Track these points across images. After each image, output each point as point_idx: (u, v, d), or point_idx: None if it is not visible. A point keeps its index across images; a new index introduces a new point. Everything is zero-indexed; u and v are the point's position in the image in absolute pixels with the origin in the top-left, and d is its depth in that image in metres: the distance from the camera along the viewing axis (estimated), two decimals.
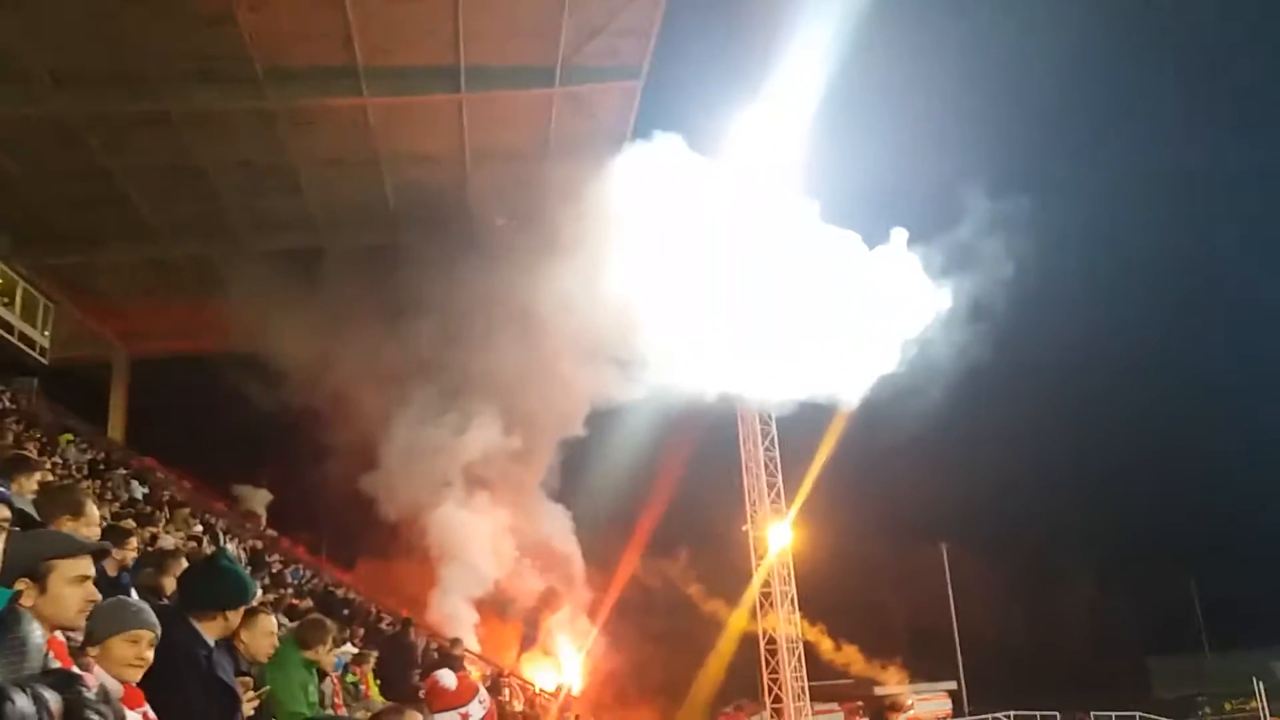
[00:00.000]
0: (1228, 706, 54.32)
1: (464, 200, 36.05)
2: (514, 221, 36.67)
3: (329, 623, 6.55)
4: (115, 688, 3.06)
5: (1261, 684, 41.98)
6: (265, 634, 5.10)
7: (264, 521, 40.08)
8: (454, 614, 36.63)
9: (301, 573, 26.91)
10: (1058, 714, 51.74)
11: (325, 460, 40.36)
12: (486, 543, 38.78)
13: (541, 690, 33.39)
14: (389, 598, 34.79)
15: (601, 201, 36.76)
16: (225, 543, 21.09)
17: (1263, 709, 40.94)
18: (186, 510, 20.31)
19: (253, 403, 38.97)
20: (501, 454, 40.18)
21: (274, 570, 21.22)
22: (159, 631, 3.38)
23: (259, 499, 41.98)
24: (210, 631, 3.94)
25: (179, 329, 42.61)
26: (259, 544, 27.43)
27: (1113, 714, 52.15)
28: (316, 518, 43.42)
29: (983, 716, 51.26)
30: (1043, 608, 64.06)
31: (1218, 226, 59.67)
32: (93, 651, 3.11)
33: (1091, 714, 52.14)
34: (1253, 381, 60.49)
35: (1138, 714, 52.57)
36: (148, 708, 3.09)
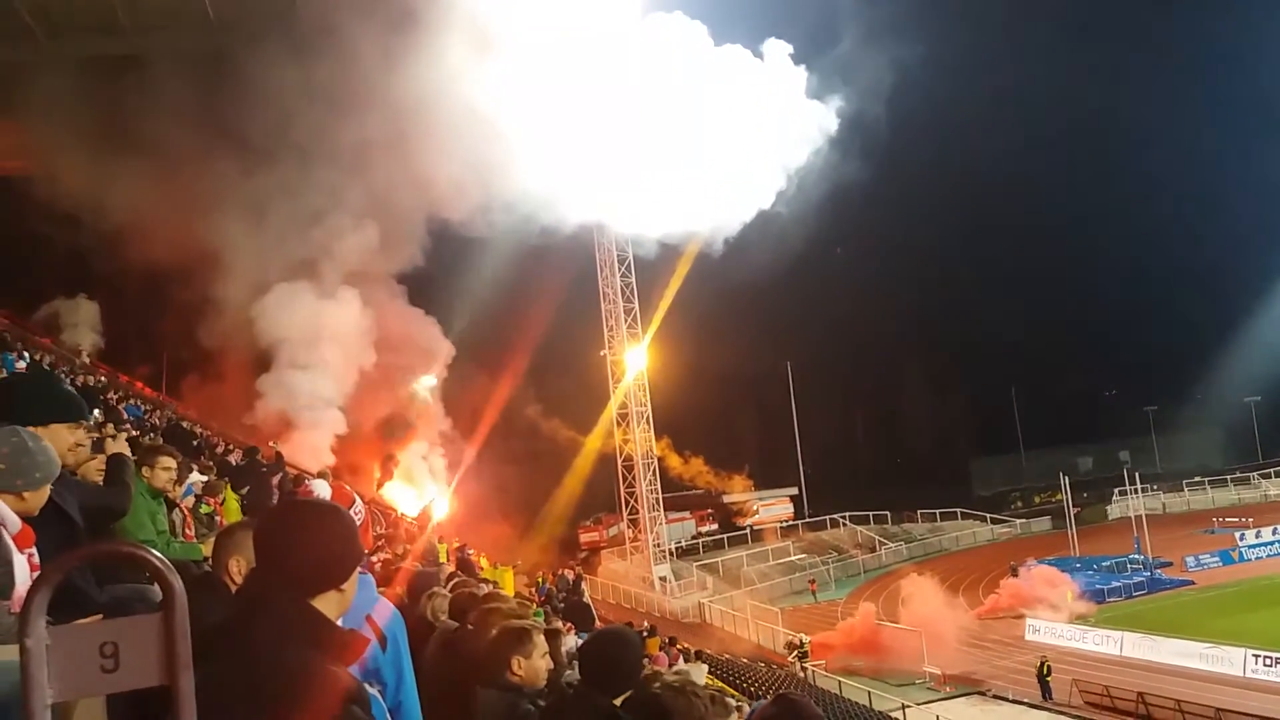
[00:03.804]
0: (1037, 499, 60.82)
1: (294, 6, 33.29)
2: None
3: (164, 446, 6.30)
4: (13, 522, 2.80)
5: (1067, 478, 46.71)
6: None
7: (98, 344, 37.58)
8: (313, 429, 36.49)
9: (140, 408, 25.78)
10: (888, 513, 56.82)
11: (161, 291, 38.23)
12: (341, 338, 38.17)
13: (404, 515, 33.83)
14: (222, 416, 34.20)
15: (468, 14, 35.04)
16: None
17: (1066, 500, 45.84)
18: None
19: (69, 232, 35.91)
20: (360, 268, 39.18)
21: (109, 406, 20.18)
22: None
23: (81, 315, 39.08)
24: None
25: None
26: (91, 379, 25.99)
27: (937, 511, 57.74)
28: (156, 351, 41.49)
29: (820, 518, 55.71)
30: (878, 418, 68.89)
31: (1107, 65, 60.88)
32: None
33: (919, 512, 57.58)
34: (1087, 218, 64.29)
35: (959, 510, 58.40)
36: (34, 551, 2.85)
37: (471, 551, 24.97)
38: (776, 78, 42.28)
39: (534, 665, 3.57)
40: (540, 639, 3.67)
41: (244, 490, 10.10)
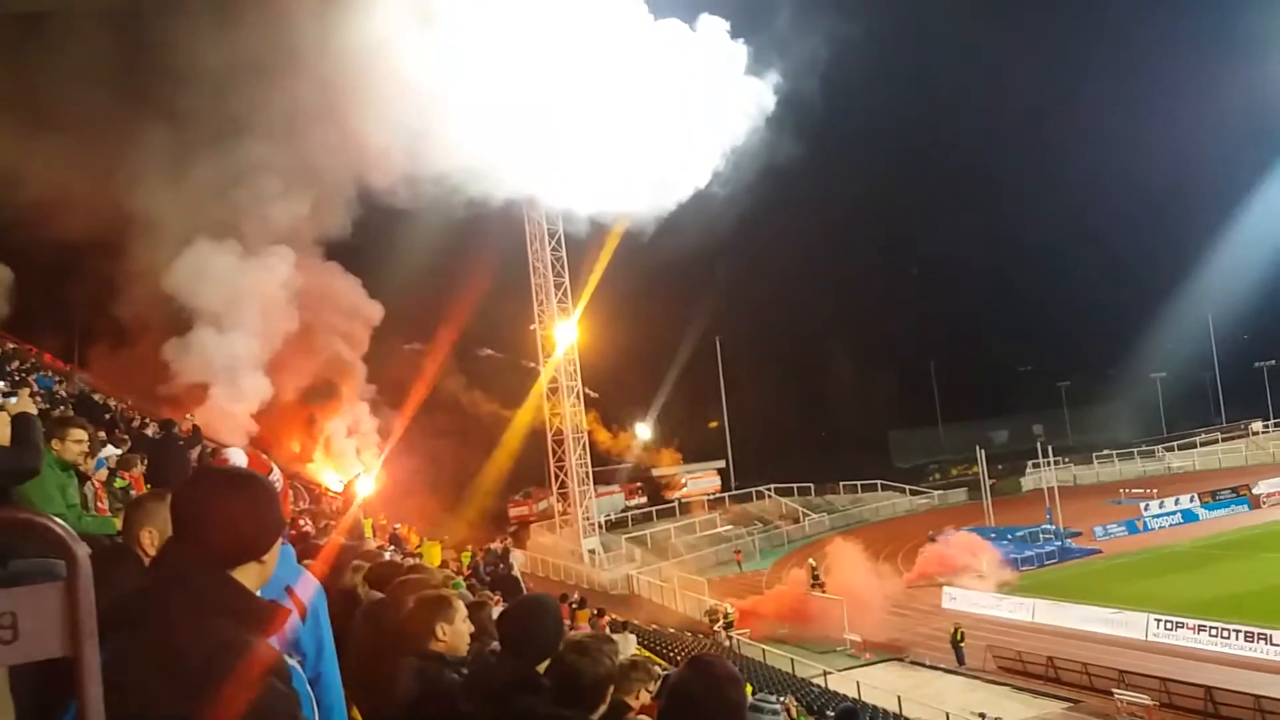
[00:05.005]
0: (954, 471, 62.54)
1: None
2: None
3: (75, 418, 6.07)
4: None
5: (983, 451, 48.09)
6: None
7: (2, 311, 35.83)
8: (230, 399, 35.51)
9: (51, 379, 24.78)
10: (811, 485, 57.83)
11: (73, 258, 36.64)
12: (261, 299, 37.08)
13: (328, 489, 33.29)
14: (138, 387, 33.13)
15: None
16: None
17: (982, 472, 47.31)
18: None
19: None
20: (283, 233, 38.06)
21: (16, 378, 19.37)
22: None
23: None
24: None
25: None
26: None
27: (858, 483, 59.00)
28: (67, 321, 39.79)
29: (746, 490, 56.46)
30: (802, 393, 69.91)
31: (1035, 47, 61.76)
32: None
33: (840, 484, 58.75)
34: (1007, 197, 65.60)
35: (879, 482, 59.76)
36: None
37: (399, 526, 24.76)
38: (715, 53, 42.19)
39: (458, 631, 3.53)
40: (461, 605, 3.64)
41: (144, 461, 9.80)
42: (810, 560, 38.41)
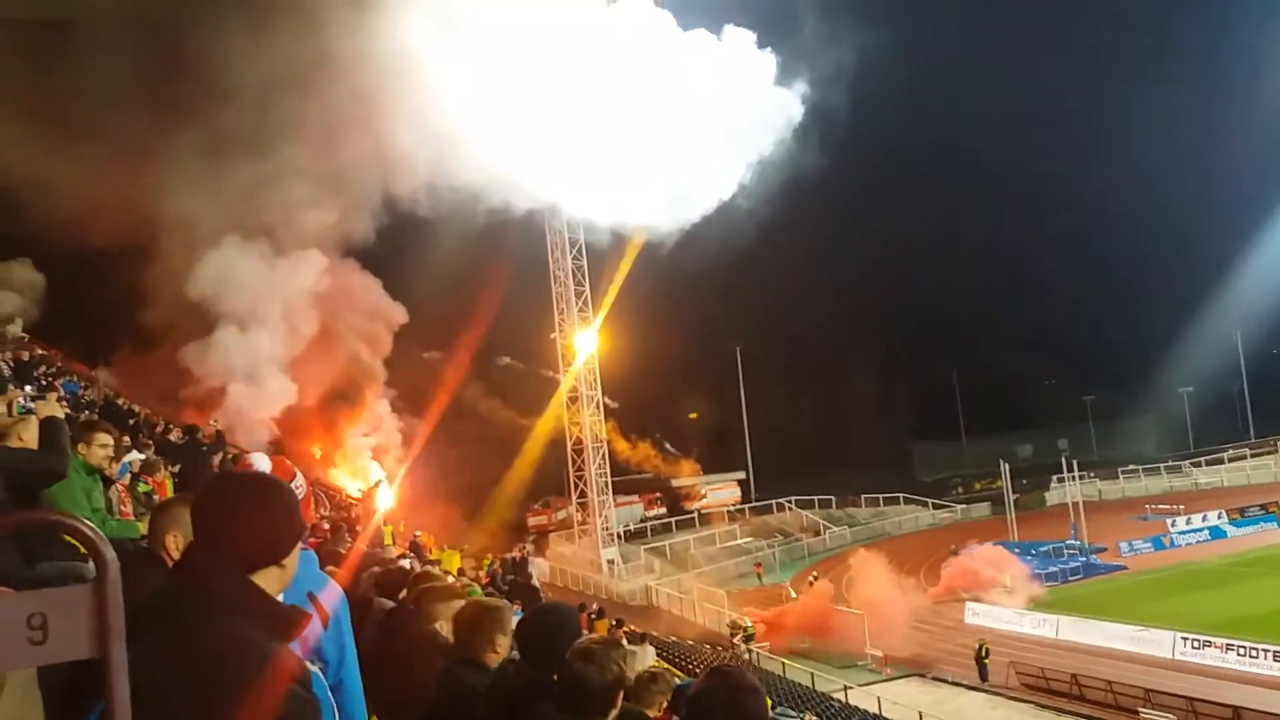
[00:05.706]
0: (978, 485, 61.94)
1: None
2: None
3: (101, 422, 6.14)
4: None
5: (1007, 465, 47.67)
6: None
7: (29, 313, 36.23)
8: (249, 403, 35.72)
9: (77, 384, 25.04)
10: (833, 498, 57.50)
11: (99, 264, 37.05)
12: (285, 303, 37.31)
13: (348, 496, 33.44)
14: (162, 392, 33.41)
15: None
16: None
17: (1006, 486, 46.84)
18: None
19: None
20: (308, 236, 38.28)
21: (43, 383, 19.57)
22: None
23: (15, 280, 37.45)
24: None
25: None
26: (25, 354, 25.21)
27: (880, 496, 58.60)
28: (93, 326, 40.22)
29: (766, 501, 56.21)
30: (823, 404, 69.58)
31: (1064, 58, 61.44)
32: None
33: (862, 497, 58.39)
34: (1032, 208, 65.26)
35: (901, 495, 59.32)
36: None
37: (419, 534, 24.84)
38: (742, 64, 42.18)
39: (509, 643, 3.54)
40: (511, 616, 3.66)
41: (177, 468, 9.90)
42: (813, 575, 38.11)
